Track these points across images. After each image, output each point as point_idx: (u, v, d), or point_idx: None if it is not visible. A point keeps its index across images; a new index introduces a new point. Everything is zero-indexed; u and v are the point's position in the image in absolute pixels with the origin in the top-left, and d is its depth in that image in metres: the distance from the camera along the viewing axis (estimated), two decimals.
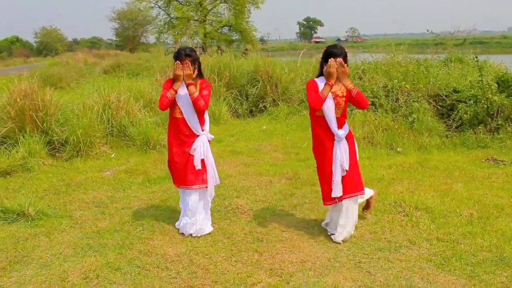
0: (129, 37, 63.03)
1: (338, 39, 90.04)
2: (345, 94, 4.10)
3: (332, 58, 3.99)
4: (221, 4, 35.83)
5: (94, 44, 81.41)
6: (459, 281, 3.45)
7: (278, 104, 11.03)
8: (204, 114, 4.49)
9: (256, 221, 4.74)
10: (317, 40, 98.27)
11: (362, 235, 4.34)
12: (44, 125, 7.32)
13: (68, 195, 5.79)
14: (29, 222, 4.87)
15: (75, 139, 7.25)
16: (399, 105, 9.03)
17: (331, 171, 4.17)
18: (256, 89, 11.18)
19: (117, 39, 67.24)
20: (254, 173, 6.41)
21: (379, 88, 9.36)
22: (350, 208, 4.25)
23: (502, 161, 6.66)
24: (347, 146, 4.16)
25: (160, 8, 36.03)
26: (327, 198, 4.27)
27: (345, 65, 4.02)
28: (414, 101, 8.95)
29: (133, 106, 8.37)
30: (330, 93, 4.03)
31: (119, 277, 3.69)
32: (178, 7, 34.78)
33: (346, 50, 4.12)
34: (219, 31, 35.46)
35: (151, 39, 40.14)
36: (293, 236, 4.36)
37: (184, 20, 34.18)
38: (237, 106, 11.10)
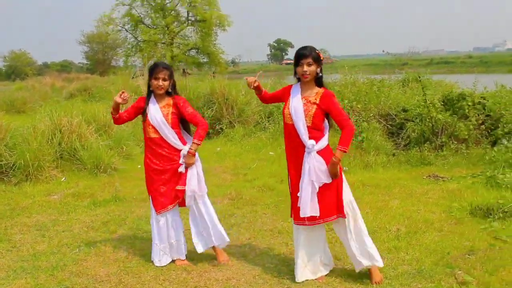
0: (99, 60, 62.65)
1: None
2: (317, 102, 3.69)
3: None
4: (188, 27, 36.39)
5: (64, 67, 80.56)
6: None
7: (235, 126, 11.20)
8: (180, 132, 4.30)
9: (190, 240, 4.81)
10: (288, 62, 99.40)
11: (292, 252, 4.47)
12: None
13: (11, 219, 5.78)
14: None
15: (24, 163, 7.25)
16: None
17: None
18: (212, 111, 11.34)
19: (88, 62, 66.81)
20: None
21: None
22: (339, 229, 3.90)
23: (442, 177, 6.92)
24: (323, 160, 3.67)
25: (127, 31, 36.38)
26: (296, 216, 3.86)
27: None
28: (364, 120, 9.22)
29: (85, 129, 8.41)
30: (300, 97, 3.75)
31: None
32: (145, 30, 35.14)
33: (317, 51, 3.73)
34: (186, 54, 35.85)
35: (121, 62, 40.41)
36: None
37: (152, 43, 34.52)
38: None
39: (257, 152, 9.40)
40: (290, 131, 3.79)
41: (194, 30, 36.31)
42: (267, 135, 10.24)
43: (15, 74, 63.92)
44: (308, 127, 3.69)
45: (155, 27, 35.62)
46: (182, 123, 4.33)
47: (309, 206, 3.67)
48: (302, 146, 3.72)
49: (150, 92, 4.30)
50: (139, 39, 35.91)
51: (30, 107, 18.21)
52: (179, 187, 4.22)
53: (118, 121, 4.37)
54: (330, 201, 3.74)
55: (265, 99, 4.23)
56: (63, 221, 5.63)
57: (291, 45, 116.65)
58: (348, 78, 11.58)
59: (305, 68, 3.67)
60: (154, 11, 35.12)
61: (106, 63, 62.15)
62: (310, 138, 3.68)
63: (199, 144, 4.17)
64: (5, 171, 7.37)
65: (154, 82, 4.16)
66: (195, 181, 4.22)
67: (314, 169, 3.65)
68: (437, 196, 6.04)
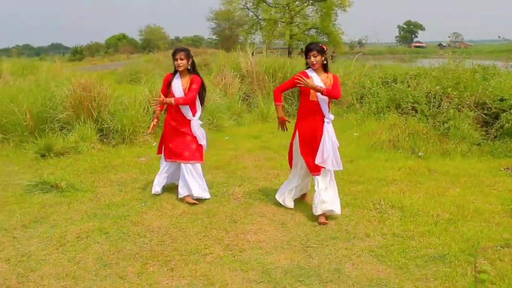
0: (226, 36, 64.85)
1: (440, 44, 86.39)
2: (332, 83, 4.73)
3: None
4: (308, 7, 36.40)
5: (195, 42, 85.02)
6: (386, 270, 3.73)
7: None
8: (195, 104, 5.43)
9: (243, 206, 5.25)
10: (417, 44, 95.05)
11: (328, 224, 4.69)
12: (97, 114, 8.32)
13: (101, 174, 6.66)
14: (59, 193, 5.78)
15: (121, 128, 8.20)
16: (439, 111, 9.00)
17: (316, 147, 4.80)
18: None
19: (216, 38, 69.55)
20: (268, 167, 6.90)
21: (422, 93, 9.36)
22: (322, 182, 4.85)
23: None
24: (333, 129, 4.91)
25: (249, 9, 37.40)
26: (315, 168, 4.85)
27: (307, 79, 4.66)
28: (454, 108, 8.88)
29: None
30: (320, 80, 4.71)
31: (104, 239, 4.42)
32: (266, 8, 35.84)
33: (322, 45, 4.78)
34: (305, 33, 35.98)
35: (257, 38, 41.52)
36: (265, 221, 4.82)
37: (272, 21, 35.15)
38: (287, 106, 11.55)
39: (342, 133, 9.48)
40: (313, 106, 4.80)
41: (314, 10, 36.36)
42: (356, 116, 10.25)
43: (149, 47, 68.88)
44: (328, 103, 4.81)
45: (276, 6, 36.28)
46: (199, 96, 5.44)
47: (334, 160, 4.81)
48: (320, 117, 4.81)
49: (176, 71, 5.35)
50: (260, 17, 36.86)
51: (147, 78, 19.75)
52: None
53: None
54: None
55: (282, 91, 5.08)
56: (141, 180, 6.37)
57: (421, 28, 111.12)
58: (450, 63, 11.05)
59: (312, 59, 4.70)
60: None
61: (232, 39, 64.33)
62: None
63: (172, 102, 5.20)
64: (106, 134, 8.38)
65: (175, 62, 5.26)
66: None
67: (334, 135, 4.87)
68: (503, 188, 5.77)
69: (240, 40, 64.81)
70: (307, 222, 4.78)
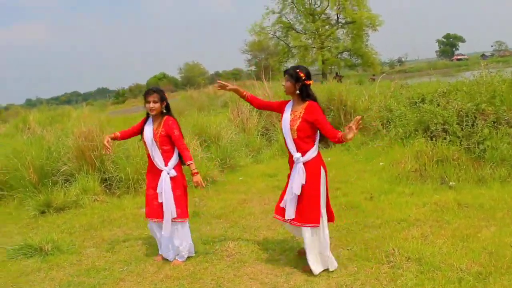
0: (262, 67, 64.77)
1: (483, 55, 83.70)
2: (302, 115, 4.08)
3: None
4: (338, 30, 35.77)
5: (235, 75, 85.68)
6: None
7: None
8: (171, 151, 4.71)
9: (234, 266, 4.56)
10: (459, 57, 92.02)
11: (329, 285, 3.92)
12: (99, 163, 7.88)
13: (95, 231, 6.14)
14: (42, 257, 5.26)
15: (125, 177, 7.71)
16: (473, 131, 8.05)
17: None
18: (329, 118, 10.81)
19: (255, 69, 69.71)
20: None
21: (452, 112, 8.44)
22: (308, 238, 4.16)
23: None
24: (302, 173, 4.10)
25: (278, 38, 37.12)
26: (276, 210, 4.43)
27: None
28: (490, 126, 7.92)
29: (190, 141, 8.64)
30: (289, 112, 4.18)
31: None
32: (295, 36, 35.50)
33: (298, 71, 4.15)
34: (338, 57, 35.26)
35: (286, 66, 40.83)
36: (254, 285, 4.10)
37: (302, 48, 34.69)
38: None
39: (367, 163, 8.70)
40: (285, 143, 4.26)
41: (344, 33, 35.68)
42: (382, 144, 9.40)
43: (189, 84, 69.91)
44: (294, 139, 4.10)
45: (305, 32, 35.86)
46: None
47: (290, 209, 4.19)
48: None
49: (148, 116, 4.76)
50: (290, 45, 36.49)
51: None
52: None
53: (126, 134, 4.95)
54: (306, 209, 4.12)
55: (257, 104, 4.55)
56: (134, 236, 5.79)
57: (462, 40, 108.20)
58: (485, 75, 10.06)
59: (283, 82, 4.21)
60: (303, 16, 35.34)
61: (268, 69, 64.15)
62: (298, 150, 4.10)
63: (193, 161, 4.69)
64: (110, 184, 7.91)
65: (146, 105, 4.62)
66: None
67: (295, 180, 4.10)
68: None
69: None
70: (302, 286, 4.01)
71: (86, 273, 4.74)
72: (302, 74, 4.13)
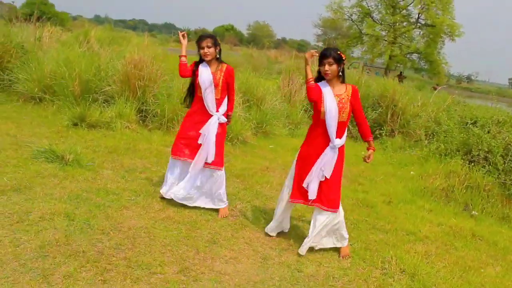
0: (330, 45, 63.61)
1: None
2: (350, 98, 4.06)
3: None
4: (415, 30, 34.55)
5: (301, 46, 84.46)
6: None
7: (395, 136, 10.30)
8: (223, 98, 4.76)
9: (234, 226, 4.63)
10: None
11: (317, 272, 3.92)
12: (141, 94, 8.02)
13: (117, 155, 6.29)
14: (62, 165, 5.45)
15: (160, 113, 7.83)
16: None
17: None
18: (375, 114, 10.60)
19: (322, 45, 68.48)
20: None
21: (500, 143, 8.11)
22: (318, 220, 4.18)
23: None
24: (336, 157, 4.13)
25: (353, 21, 36.24)
26: (295, 195, 4.30)
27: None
28: None
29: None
30: (334, 97, 4.02)
31: (63, 226, 3.97)
32: (371, 24, 34.54)
33: (340, 53, 4.05)
34: (406, 56, 34.20)
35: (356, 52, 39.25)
36: (247, 250, 4.15)
37: (374, 38, 33.79)
38: (351, 127, 10.66)
39: (399, 168, 8.52)
40: (321, 127, 4.10)
41: (420, 34, 34.44)
42: (420, 154, 9.16)
43: (254, 42, 69.49)
44: (339, 123, 4.03)
45: (381, 22, 34.81)
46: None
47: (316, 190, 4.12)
48: (326, 141, 4.09)
49: (201, 61, 4.74)
50: (363, 31, 35.58)
51: None
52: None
53: (184, 69, 4.78)
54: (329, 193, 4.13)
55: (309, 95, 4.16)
56: (151, 171, 5.91)
57: None
58: None
59: (326, 67, 3.98)
60: (384, 6, 34.25)
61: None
62: (337, 135, 4.06)
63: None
64: (145, 116, 8.05)
65: (201, 51, 4.62)
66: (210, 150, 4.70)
67: (330, 163, 4.08)
68: None
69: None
70: (292, 264, 4.02)
71: (96, 192, 4.89)
72: (343, 56, 4.07)
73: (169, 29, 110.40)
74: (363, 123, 4.19)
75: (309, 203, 4.21)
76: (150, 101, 8.05)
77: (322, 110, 4.04)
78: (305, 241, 4.20)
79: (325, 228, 4.18)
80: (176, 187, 4.83)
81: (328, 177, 4.10)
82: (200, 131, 4.71)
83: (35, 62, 8.72)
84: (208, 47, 4.59)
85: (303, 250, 4.17)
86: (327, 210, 4.13)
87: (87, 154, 6.01)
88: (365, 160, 4.21)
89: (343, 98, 4.03)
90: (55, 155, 5.60)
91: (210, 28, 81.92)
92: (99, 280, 3.26)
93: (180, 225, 4.43)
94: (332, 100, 4.00)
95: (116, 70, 8.37)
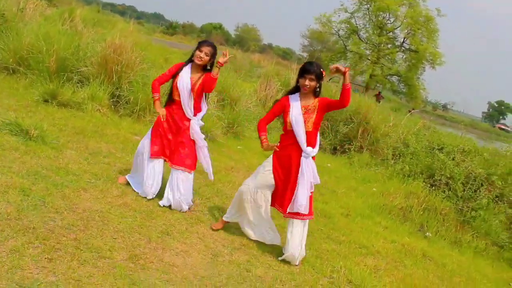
0: (313, 57, 64.06)
1: None
2: (317, 108, 4.15)
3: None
4: (399, 53, 35.14)
5: (286, 54, 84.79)
6: None
7: (362, 152, 10.47)
8: (201, 103, 4.86)
9: (190, 220, 4.67)
10: (502, 127, 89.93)
11: (266, 273, 3.97)
12: (116, 79, 7.96)
13: (83, 137, 6.22)
14: (25, 140, 5.35)
15: (133, 101, 7.79)
16: (474, 196, 7.98)
17: (286, 187, 4.29)
18: (346, 129, 10.76)
19: (306, 56, 68.84)
20: None
21: (462, 170, 8.34)
22: (296, 229, 4.29)
23: None
24: (313, 164, 4.27)
25: (339, 37, 36.65)
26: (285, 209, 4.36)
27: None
28: (491, 199, 7.84)
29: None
30: (300, 108, 4.16)
31: (17, 201, 3.90)
32: (356, 41, 34.96)
33: (323, 70, 4.15)
34: (386, 78, 34.76)
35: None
36: (199, 245, 4.17)
37: (357, 55, 34.25)
38: (322, 139, 10.78)
39: (362, 183, 8.67)
40: (291, 137, 4.20)
41: (403, 58, 35.08)
42: (385, 172, 9.34)
43: (240, 44, 69.41)
44: (308, 132, 4.13)
45: (367, 41, 35.32)
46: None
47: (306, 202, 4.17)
48: (297, 150, 4.18)
49: (190, 61, 4.77)
50: (348, 48, 36.03)
51: None
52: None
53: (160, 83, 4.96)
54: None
55: (265, 127, 4.44)
56: (116, 157, 5.88)
57: None
58: (509, 150, 9.88)
59: (307, 82, 4.08)
60: (372, 26, 34.76)
61: (320, 62, 63.22)
62: (308, 144, 4.14)
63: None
64: (117, 101, 7.99)
65: (197, 53, 4.63)
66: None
67: (312, 172, 4.19)
68: None
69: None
70: (242, 264, 4.07)
71: (56, 170, 4.83)
72: (324, 73, 4.19)
73: (157, 19, 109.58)
74: (335, 101, 4.09)
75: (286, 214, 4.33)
76: (125, 87, 7.99)
77: (288, 121, 4.19)
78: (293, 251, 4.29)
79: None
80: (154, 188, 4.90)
81: (318, 182, 4.31)
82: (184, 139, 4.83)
83: (13, 33, 8.56)
84: (206, 54, 4.64)
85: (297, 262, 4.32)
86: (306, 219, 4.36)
87: (53, 131, 5.92)
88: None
89: (309, 109, 4.15)
90: (20, 129, 5.51)
91: (198, 24, 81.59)
92: (45, 258, 3.23)
93: (136, 213, 4.42)
94: (297, 110, 4.14)
95: (95, 51, 8.29)
